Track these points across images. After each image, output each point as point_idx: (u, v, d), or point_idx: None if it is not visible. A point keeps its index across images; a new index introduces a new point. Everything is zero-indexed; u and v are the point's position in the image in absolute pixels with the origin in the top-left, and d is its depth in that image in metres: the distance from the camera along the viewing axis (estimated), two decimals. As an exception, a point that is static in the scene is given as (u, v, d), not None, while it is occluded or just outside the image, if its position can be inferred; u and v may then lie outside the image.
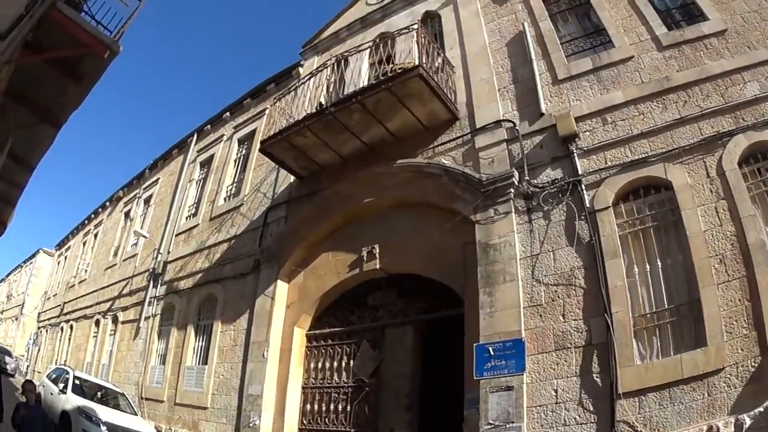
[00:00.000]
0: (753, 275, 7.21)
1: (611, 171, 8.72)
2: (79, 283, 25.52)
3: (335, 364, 11.30)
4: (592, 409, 7.77)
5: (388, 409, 10.24)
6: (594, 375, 7.90)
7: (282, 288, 12.17)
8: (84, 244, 29.06)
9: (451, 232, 9.80)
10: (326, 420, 10.92)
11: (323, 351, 11.61)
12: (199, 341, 14.32)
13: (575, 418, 7.90)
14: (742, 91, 8.29)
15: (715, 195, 7.86)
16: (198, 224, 16.49)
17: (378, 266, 10.95)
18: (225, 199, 16.16)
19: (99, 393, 13.48)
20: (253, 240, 13.66)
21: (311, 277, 11.92)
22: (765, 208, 7.71)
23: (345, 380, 11.02)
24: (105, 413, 11.69)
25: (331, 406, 11.00)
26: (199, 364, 13.89)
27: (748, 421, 6.75)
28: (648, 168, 8.48)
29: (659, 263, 8.14)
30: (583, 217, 8.59)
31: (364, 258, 11.09)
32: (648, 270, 8.19)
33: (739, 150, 7.94)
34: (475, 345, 8.75)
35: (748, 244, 7.34)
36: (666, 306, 7.86)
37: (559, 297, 8.53)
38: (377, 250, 10.98)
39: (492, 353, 8.62)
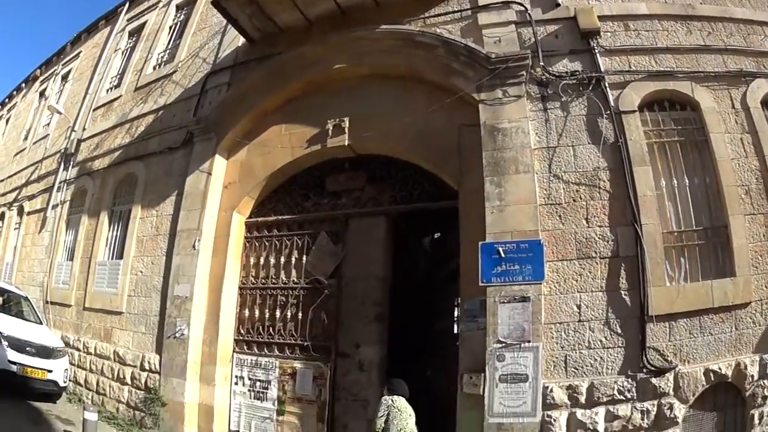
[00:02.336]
0: None
1: (636, 76, 7.58)
2: (-14, 174, 21.42)
3: (282, 259, 8.82)
4: (619, 331, 6.58)
5: (352, 318, 8.00)
6: (622, 292, 6.67)
7: (220, 164, 9.38)
8: (-6, 131, 24.68)
9: (442, 111, 7.85)
10: (270, 329, 8.55)
11: (267, 243, 9.05)
12: (113, 230, 11.29)
13: (601, 341, 6.60)
14: (763, 42, 7.86)
15: (740, 127, 7.32)
16: (120, 96, 13.19)
17: (347, 143, 8.47)
18: (155, 68, 12.83)
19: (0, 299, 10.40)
20: (186, 110, 10.67)
21: (257, 153, 9.24)
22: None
23: (295, 280, 8.61)
24: (6, 324, 8.97)
25: (277, 312, 8.58)
26: (112, 258, 10.93)
27: None
28: (675, 83, 7.54)
29: (686, 180, 7.22)
30: (607, 116, 7.15)
31: (329, 132, 8.57)
32: (675, 185, 7.21)
33: (762, 92, 7.51)
34: (481, 244, 6.61)
35: None
36: (693, 227, 7.04)
37: (581, 198, 7.00)
38: (347, 125, 8.51)
39: (502, 255, 6.47)
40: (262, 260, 9.02)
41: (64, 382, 9.49)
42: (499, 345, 6.44)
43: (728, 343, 6.72)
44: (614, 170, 6.89)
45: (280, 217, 9.09)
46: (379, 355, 7.83)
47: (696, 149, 7.31)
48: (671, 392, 6.48)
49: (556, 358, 6.52)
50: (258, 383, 8.43)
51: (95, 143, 12.89)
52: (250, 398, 8.46)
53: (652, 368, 6.45)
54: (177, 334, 8.60)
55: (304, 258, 8.60)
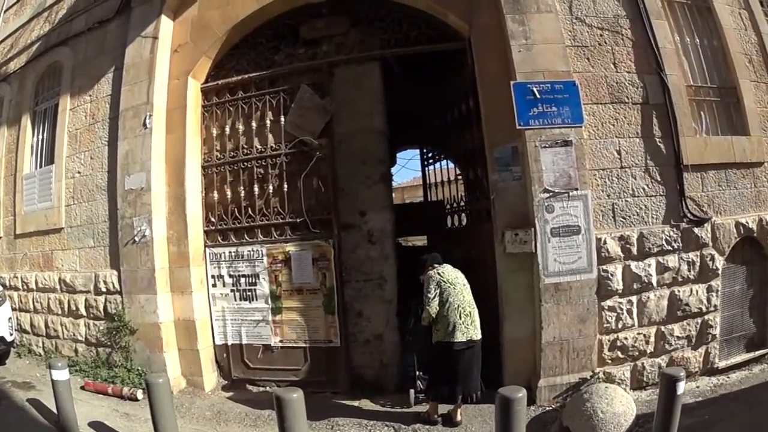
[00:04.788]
0: None
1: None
2: None
3: (254, 124, 6.91)
4: (659, 179, 6.04)
5: (352, 182, 6.46)
6: (657, 139, 6.10)
7: (167, 26, 7.26)
8: None
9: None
10: (250, 211, 6.74)
11: (231, 109, 7.11)
12: (38, 134, 8.99)
13: (644, 188, 5.99)
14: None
15: (738, 2, 7.19)
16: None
17: (329, -22, 6.53)
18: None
19: None
20: (117, -26, 8.06)
21: (213, 6, 7.21)
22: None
23: (274, 146, 6.78)
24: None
25: (255, 189, 6.75)
26: (41, 166, 8.70)
27: None
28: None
29: (697, 40, 6.82)
30: None
31: (303, -30, 6.54)
32: (688, 42, 6.78)
33: None
34: (513, 83, 5.49)
35: None
36: (708, 83, 6.71)
37: (606, 42, 6.16)
38: (324, -42, 6.52)
39: (538, 96, 5.37)
40: (227, 130, 7.09)
41: (11, 335, 7.27)
42: (547, 194, 5.42)
43: (750, 198, 6.55)
44: (633, 20, 6.28)
45: (246, 76, 7.08)
46: (391, 222, 6.44)
47: (704, 13, 7.00)
48: (710, 243, 6.08)
49: (604, 207, 5.67)
50: (243, 279, 6.71)
51: (9, 45, 10.26)
52: (236, 300, 6.74)
53: (693, 218, 6.05)
54: (137, 237, 6.69)
55: (282, 119, 6.78)
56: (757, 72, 7.04)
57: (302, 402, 3.90)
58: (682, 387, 3.95)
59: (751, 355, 6.53)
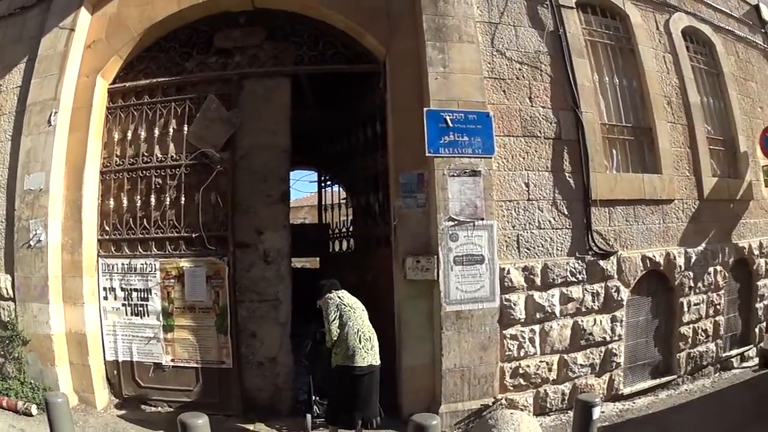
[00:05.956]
0: (693, 127, 7.50)
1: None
2: None
3: (157, 131, 6.56)
4: (566, 212, 6.26)
5: (251, 199, 6.24)
6: (567, 174, 6.33)
7: (84, 19, 6.82)
8: None
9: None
10: (145, 222, 6.35)
11: (135, 113, 6.72)
12: None
13: (550, 221, 6.18)
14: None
15: (663, 46, 7.59)
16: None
17: (249, -9, 6.50)
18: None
19: None
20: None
21: (133, 3, 6.85)
22: (696, 79, 7.96)
23: (175, 156, 6.45)
24: None
25: (152, 199, 6.38)
26: None
27: (693, 256, 7.13)
28: (608, -7, 7.15)
29: (616, 80, 7.15)
30: (547, 6, 6.70)
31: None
32: (607, 81, 7.11)
33: (682, 24, 7.96)
34: (426, 110, 5.56)
35: (689, 101, 7.53)
36: (624, 122, 7.08)
37: (524, 77, 6.35)
38: (248, -31, 6.45)
39: (450, 124, 5.43)
40: (130, 135, 6.68)
41: None
42: (452, 223, 5.43)
43: (658, 234, 6.89)
44: (554, 57, 6.48)
45: (155, 80, 6.75)
46: (288, 243, 6.26)
47: (627, 55, 7.28)
48: (615, 275, 6.30)
49: (509, 237, 5.78)
50: (135, 294, 6.32)
51: None
52: (127, 315, 6.34)
53: (599, 251, 6.23)
54: (32, 242, 6.22)
55: (186, 128, 6.47)
56: (675, 114, 7.42)
57: (207, 428, 3.87)
58: (597, 412, 4.10)
59: (657, 381, 6.83)
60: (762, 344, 8.06)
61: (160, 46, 6.80)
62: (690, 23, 8.11)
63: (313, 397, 5.62)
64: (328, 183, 10.54)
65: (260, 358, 6.12)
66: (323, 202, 10.61)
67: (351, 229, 8.63)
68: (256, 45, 6.60)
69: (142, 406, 6.23)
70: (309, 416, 5.53)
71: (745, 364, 7.98)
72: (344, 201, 9.52)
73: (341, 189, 9.96)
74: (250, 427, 5.79)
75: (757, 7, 9.75)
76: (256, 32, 6.65)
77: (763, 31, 9.81)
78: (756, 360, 7.87)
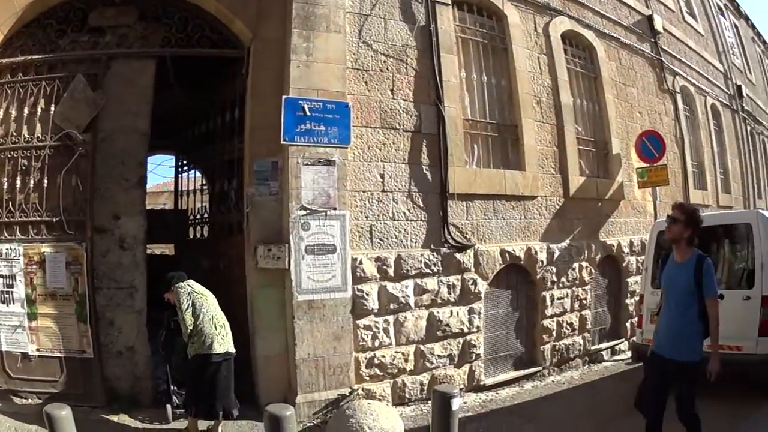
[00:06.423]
0: (562, 127, 7.83)
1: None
2: None
3: (26, 111, 6.21)
4: (422, 205, 6.38)
5: (110, 183, 6.05)
6: (424, 167, 6.46)
7: None
8: None
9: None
10: (10, 205, 6.00)
11: (9, 91, 6.38)
12: None
13: (404, 213, 6.26)
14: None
15: (539, 48, 7.84)
16: None
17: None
18: None
19: None
20: None
21: None
22: (571, 81, 8.33)
23: (41, 137, 6.15)
24: None
25: (18, 181, 6.00)
26: None
27: (557, 252, 7.40)
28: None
29: (485, 78, 7.32)
30: (420, 1, 6.77)
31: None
32: (474, 78, 7.26)
33: (563, 27, 8.26)
34: (285, 98, 5.55)
35: (561, 101, 7.85)
36: (488, 119, 7.24)
37: (388, 69, 6.41)
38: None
39: (308, 113, 5.49)
40: (1, 114, 6.32)
41: None
42: (304, 212, 5.43)
43: (519, 229, 7.11)
44: (422, 51, 6.60)
45: (29, 57, 6.43)
46: (144, 229, 6.10)
47: (499, 54, 7.46)
48: (472, 268, 6.49)
49: (362, 228, 5.83)
50: (0, 280, 5.96)
51: None
52: None
53: (455, 244, 6.39)
54: None
55: (53, 108, 6.18)
56: (545, 113, 7.69)
57: (71, 419, 3.74)
58: (457, 403, 4.09)
59: (521, 372, 7.04)
60: (634, 338, 8.37)
61: (39, 22, 6.43)
62: (572, 27, 8.43)
63: (172, 387, 5.51)
64: (186, 168, 10.23)
65: (119, 347, 5.89)
66: (180, 188, 10.37)
67: (207, 216, 8.49)
68: (128, 25, 6.38)
69: (14, 398, 5.89)
70: (169, 407, 5.41)
71: (616, 357, 8.25)
72: (204, 187, 9.33)
73: (202, 175, 9.64)
74: (114, 418, 5.54)
75: (650, 18, 10.31)
76: (130, 12, 6.43)
77: (652, 40, 10.34)
78: (629, 354, 8.06)
